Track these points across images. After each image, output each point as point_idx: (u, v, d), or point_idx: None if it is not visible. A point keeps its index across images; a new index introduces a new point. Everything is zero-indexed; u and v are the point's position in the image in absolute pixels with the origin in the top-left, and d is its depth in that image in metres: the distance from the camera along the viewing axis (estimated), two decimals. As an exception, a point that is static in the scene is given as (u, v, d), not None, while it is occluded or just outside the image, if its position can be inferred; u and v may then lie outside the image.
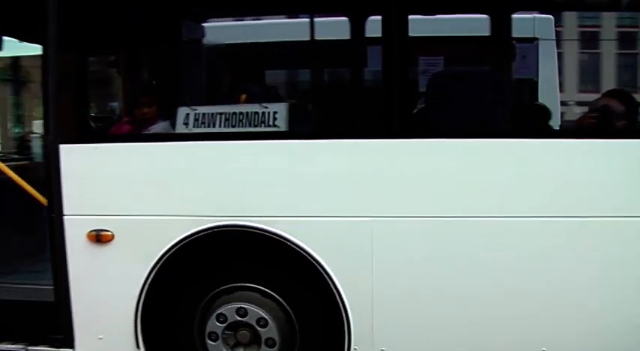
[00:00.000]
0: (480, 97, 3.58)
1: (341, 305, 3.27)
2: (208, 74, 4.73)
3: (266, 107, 3.49)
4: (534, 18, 4.83)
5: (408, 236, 3.24)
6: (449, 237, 3.18)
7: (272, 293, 3.47)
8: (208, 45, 4.67)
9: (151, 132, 3.83)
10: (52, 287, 3.70)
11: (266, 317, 3.40)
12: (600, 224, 3.09)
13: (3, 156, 4.51)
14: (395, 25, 3.28)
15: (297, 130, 3.57)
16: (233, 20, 4.85)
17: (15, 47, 4.51)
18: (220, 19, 4.78)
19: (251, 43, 4.93)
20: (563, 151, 3.20)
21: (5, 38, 4.23)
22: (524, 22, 4.63)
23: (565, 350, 3.24)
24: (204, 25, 4.62)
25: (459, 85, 3.71)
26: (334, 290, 3.27)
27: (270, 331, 3.40)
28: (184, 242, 3.40)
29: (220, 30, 4.80)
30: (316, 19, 4.06)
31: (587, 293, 3.11)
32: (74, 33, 3.61)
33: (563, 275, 3.11)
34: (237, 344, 3.49)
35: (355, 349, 3.29)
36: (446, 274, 3.21)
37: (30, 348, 3.76)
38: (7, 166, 4.09)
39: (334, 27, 3.97)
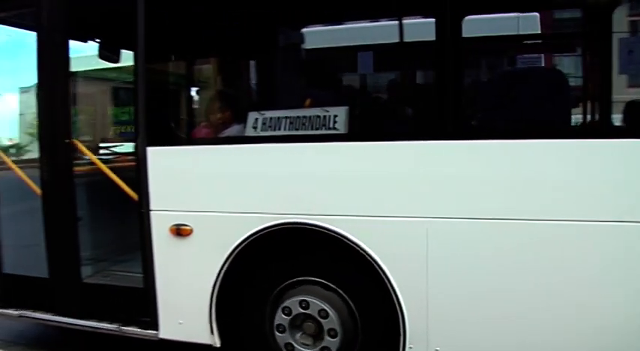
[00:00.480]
0: (542, 96, 3.58)
1: (397, 303, 3.38)
2: (279, 79, 5.03)
3: (327, 111, 3.63)
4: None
5: (462, 237, 3.26)
6: (504, 238, 3.18)
7: (333, 286, 3.64)
8: (282, 51, 4.99)
9: (224, 135, 4.15)
10: (141, 275, 4.12)
11: (326, 309, 3.58)
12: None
13: (105, 158, 4.94)
14: (448, 27, 3.32)
15: (355, 133, 3.69)
16: (307, 27, 4.98)
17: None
18: (295, 26, 4.92)
19: (319, 48, 5.11)
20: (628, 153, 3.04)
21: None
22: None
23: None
24: (281, 33, 4.94)
25: (521, 84, 3.78)
26: (390, 289, 3.38)
27: (331, 322, 3.58)
28: (252, 238, 3.66)
29: (294, 37, 4.96)
30: (374, 24, 4.22)
31: None
32: (160, 45, 4.07)
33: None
34: (305, 336, 3.70)
35: (410, 347, 3.38)
36: (499, 275, 3.21)
37: (123, 328, 4.17)
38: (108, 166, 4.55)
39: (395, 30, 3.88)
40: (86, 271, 4.46)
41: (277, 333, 3.74)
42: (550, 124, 3.46)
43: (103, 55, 5.21)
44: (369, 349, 3.64)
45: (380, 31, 4.44)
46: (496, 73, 4.38)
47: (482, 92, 4.01)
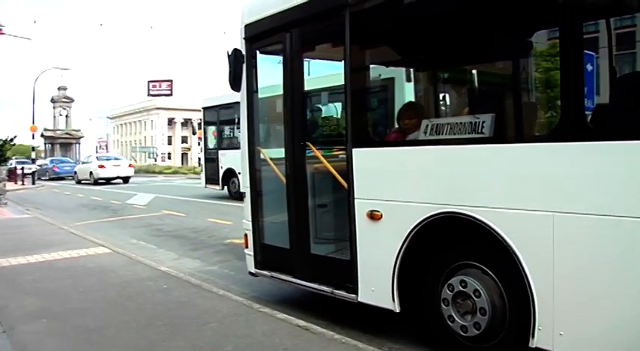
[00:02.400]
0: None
1: (528, 289, 3.73)
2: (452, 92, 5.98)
3: (477, 118, 4.22)
4: None
5: (585, 232, 3.48)
6: (625, 235, 3.30)
7: (487, 270, 4.15)
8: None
9: (406, 139, 4.99)
10: (348, 249, 5.10)
11: (480, 290, 4.12)
12: None
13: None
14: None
15: (498, 136, 4.13)
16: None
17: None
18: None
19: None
20: None
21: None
22: None
23: None
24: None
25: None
26: (524, 275, 3.75)
27: (483, 301, 4.11)
28: (422, 224, 4.38)
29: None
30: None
31: None
32: (362, 72, 5.20)
33: None
34: (465, 312, 4.26)
35: (539, 329, 3.69)
36: (619, 270, 3.35)
37: (335, 291, 5.26)
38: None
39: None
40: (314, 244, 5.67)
41: (443, 306, 4.40)
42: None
43: None
44: (511, 329, 4.02)
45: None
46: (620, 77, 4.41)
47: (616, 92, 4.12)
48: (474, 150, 4.13)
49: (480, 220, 3.98)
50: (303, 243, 5.65)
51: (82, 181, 34.36)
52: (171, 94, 70.01)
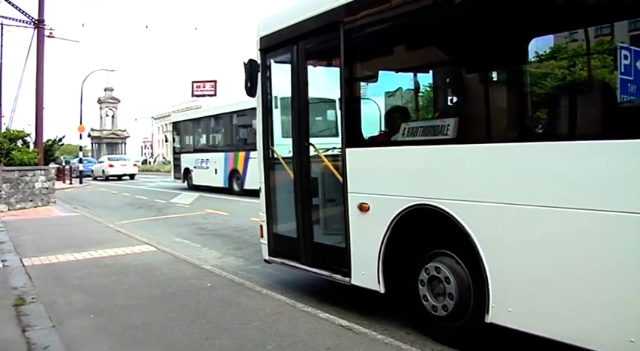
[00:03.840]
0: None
1: (483, 272, 4.30)
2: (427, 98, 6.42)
3: (443, 121, 4.86)
4: None
5: (528, 221, 3.98)
6: (561, 223, 3.77)
7: (457, 258, 4.69)
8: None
9: (387, 140, 5.65)
10: (343, 237, 5.71)
11: (450, 277, 4.69)
12: None
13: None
14: None
15: (459, 138, 4.63)
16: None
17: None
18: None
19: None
20: None
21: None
22: None
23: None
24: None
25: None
26: (480, 260, 4.32)
27: (452, 287, 4.68)
28: (401, 215, 5.00)
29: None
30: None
31: None
32: (355, 74, 5.78)
33: None
34: (437, 294, 4.85)
35: (493, 306, 4.23)
36: (558, 253, 3.81)
37: (333, 275, 5.92)
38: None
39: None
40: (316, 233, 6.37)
41: (420, 286, 5.00)
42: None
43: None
44: (475, 312, 4.51)
45: None
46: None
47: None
48: (440, 150, 4.74)
49: (445, 211, 4.56)
50: (307, 232, 6.34)
51: (97, 178, 39.78)
52: (215, 95, 70.56)
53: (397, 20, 5.30)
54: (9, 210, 16.84)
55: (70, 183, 35.04)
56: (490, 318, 4.25)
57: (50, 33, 24.23)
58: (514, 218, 4.06)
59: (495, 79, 4.87)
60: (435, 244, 4.89)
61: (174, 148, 29.01)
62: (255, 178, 21.66)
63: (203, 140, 26.61)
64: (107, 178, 39.12)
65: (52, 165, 29.30)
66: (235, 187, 22.51)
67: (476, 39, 4.65)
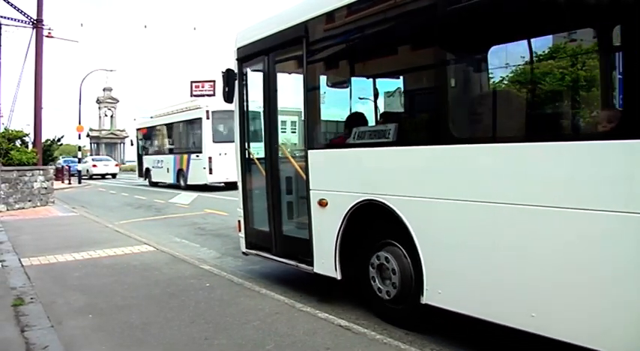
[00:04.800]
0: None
1: (419, 259, 4.89)
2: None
3: (386, 126, 5.47)
4: None
5: (449, 214, 4.61)
6: (479, 216, 4.34)
7: (401, 248, 5.26)
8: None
9: (341, 143, 6.13)
10: (307, 230, 6.29)
11: (393, 263, 5.31)
12: None
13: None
14: None
15: (399, 141, 5.23)
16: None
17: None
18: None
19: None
20: None
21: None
22: None
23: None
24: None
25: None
26: (416, 249, 4.91)
27: (396, 273, 5.30)
28: (353, 209, 5.58)
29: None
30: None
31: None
32: (315, 83, 6.37)
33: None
34: (384, 279, 5.50)
35: (427, 289, 4.84)
36: (478, 242, 4.36)
37: (299, 264, 6.49)
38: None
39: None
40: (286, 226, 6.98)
41: (370, 268, 5.62)
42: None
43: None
44: (416, 297, 5.00)
45: None
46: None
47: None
48: (383, 151, 5.35)
49: (388, 206, 5.14)
50: (277, 226, 6.95)
51: (82, 177, 39.82)
52: (214, 95, 70.34)
53: (346, 37, 5.95)
54: (7, 210, 16.84)
55: (69, 183, 35.03)
56: (425, 299, 4.84)
57: (49, 33, 24.19)
58: (442, 212, 4.65)
59: (424, 90, 5.67)
60: (382, 235, 5.47)
61: (137, 150, 33.51)
62: (194, 175, 24.99)
63: (159, 144, 31.09)
64: (91, 177, 40.63)
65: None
66: (182, 183, 26.58)
67: (403, 58, 5.85)
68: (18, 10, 21.49)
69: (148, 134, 32.34)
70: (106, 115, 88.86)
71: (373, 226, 5.56)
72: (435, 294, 4.76)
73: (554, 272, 3.82)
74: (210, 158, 23.82)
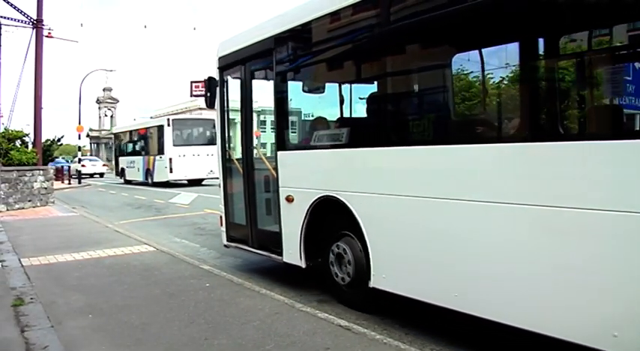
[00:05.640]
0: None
1: (368, 248, 5.53)
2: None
3: (340, 130, 6.29)
4: None
5: (397, 209, 5.16)
6: (423, 209, 4.88)
7: (355, 239, 5.81)
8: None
9: (305, 145, 6.87)
10: (277, 224, 6.92)
11: (347, 252, 5.94)
12: None
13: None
14: None
15: (349, 143, 5.90)
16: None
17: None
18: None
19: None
20: None
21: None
22: None
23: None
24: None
25: None
26: (365, 239, 5.56)
27: (350, 260, 5.92)
28: (315, 204, 6.22)
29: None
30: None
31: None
32: (283, 90, 6.99)
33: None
34: (342, 266, 6.10)
35: (374, 275, 5.46)
36: (418, 234, 4.96)
37: (270, 255, 7.16)
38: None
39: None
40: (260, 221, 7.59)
41: (330, 255, 6.24)
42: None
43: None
44: (366, 278, 5.58)
45: None
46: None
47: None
48: (337, 152, 6.04)
49: (342, 201, 5.78)
50: (253, 220, 7.60)
51: (72, 176, 40.93)
52: (213, 95, 70.36)
53: (307, 50, 6.73)
54: (7, 210, 16.85)
55: (69, 183, 35.04)
56: (372, 283, 5.48)
57: (49, 33, 24.17)
58: (385, 205, 5.27)
59: (368, 99, 6.07)
60: (340, 228, 6.04)
61: (115, 152, 38.85)
62: (158, 174, 30.52)
63: (131, 147, 35.18)
64: (80, 176, 41.42)
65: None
66: (149, 181, 30.97)
67: (349, 71, 6.57)
68: (18, 10, 21.51)
69: (122, 138, 37.24)
70: (105, 115, 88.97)
71: (332, 219, 6.12)
72: (380, 278, 5.40)
73: (474, 258, 4.38)
74: (170, 159, 28.50)
